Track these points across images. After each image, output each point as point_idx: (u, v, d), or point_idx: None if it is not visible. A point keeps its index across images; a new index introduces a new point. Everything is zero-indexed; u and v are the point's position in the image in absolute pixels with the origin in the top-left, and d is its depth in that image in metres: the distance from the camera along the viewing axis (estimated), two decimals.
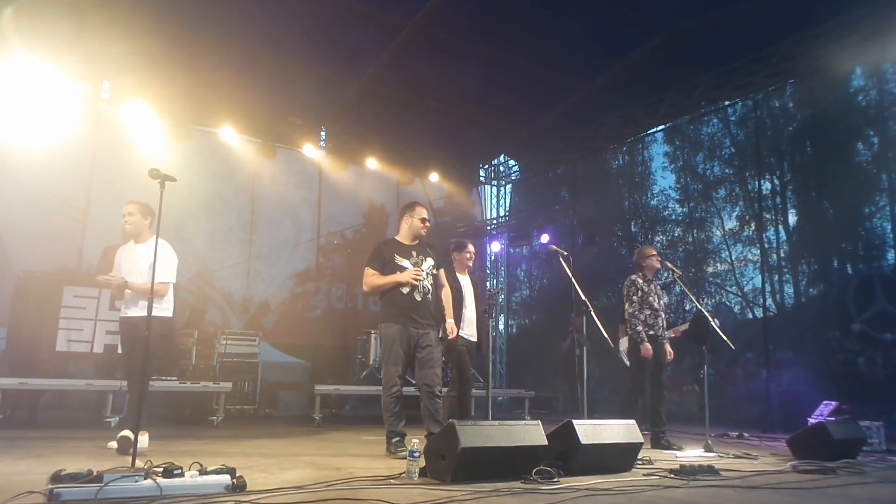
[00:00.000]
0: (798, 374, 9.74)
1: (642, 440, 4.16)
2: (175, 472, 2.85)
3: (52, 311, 7.38)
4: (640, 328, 5.78)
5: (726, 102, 10.80)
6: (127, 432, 4.30)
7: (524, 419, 5.64)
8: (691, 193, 19.22)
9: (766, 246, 15.88)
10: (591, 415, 5.07)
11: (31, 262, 7.94)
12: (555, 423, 3.96)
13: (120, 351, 5.90)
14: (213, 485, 2.87)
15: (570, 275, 5.15)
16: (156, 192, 3.60)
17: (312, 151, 10.60)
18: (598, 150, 11.73)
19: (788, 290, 17.24)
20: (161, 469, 2.85)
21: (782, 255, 17.18)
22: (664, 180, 19.64)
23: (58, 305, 7.44)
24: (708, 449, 5.35)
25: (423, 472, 3.49)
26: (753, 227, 17.08)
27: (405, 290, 4.67)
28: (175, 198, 3.84)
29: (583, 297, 5.01)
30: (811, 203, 16.68)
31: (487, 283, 12.77)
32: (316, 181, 11.23)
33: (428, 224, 4.91)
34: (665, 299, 6.11)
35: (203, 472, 2.95)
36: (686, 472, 3.76)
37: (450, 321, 4.90)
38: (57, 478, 2.70)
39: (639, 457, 4.19)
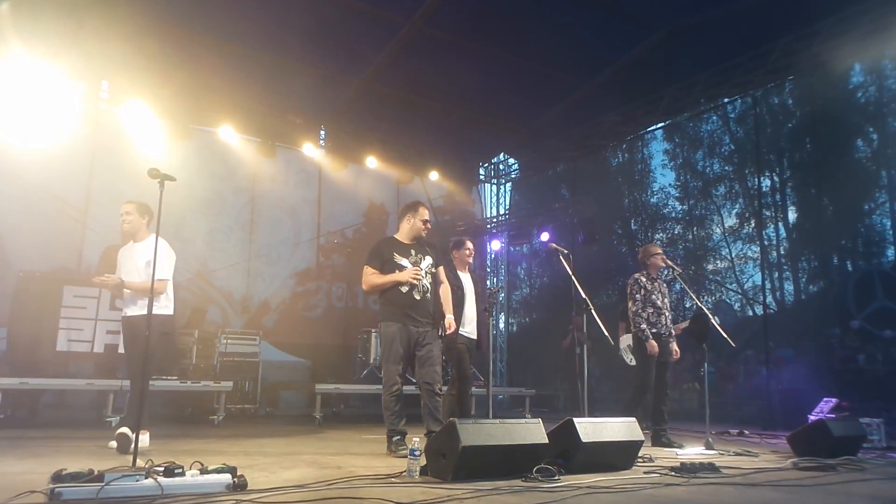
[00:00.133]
0: (798, 372, 9.74)
1: (643, 438, 4.16)
2: (176, 471, 2.85)
3: (53, 311, 7.39)
4: (643, 326, 5.79)
5: (726, 100, 10.82)
6: (125, 429, 4.30)
7: (525, 417, 5.65)
8: (691, 191, 19.24)
9: (766, 243, 15.91)
10: (592, 413, 5.08)
11: (31, 262, 7.95)
12: (555, 422, 3.96)
13: (121, 350, 5.91)
14: (214, 484, 2.87)
15: (571, 273, 5.15)
16: (155, 192, 3.59)
17: (312, 150, 10.59)
18: (597, 148, 11.73)
19: (788, 287, 17.28)
20: (162, 468, 2.85)
21: (782, 252, 17.21)
22: (664, 178, 19.68)
23: (58, 305, 7.45)
24: (708, 446, 5.35)
25: (423, 471, 3.49)
26: (753, 225, 17.10)
27: (404, 288, 4.67)
28: (175, 197, 3.84)
29: (583, 295, 5.01)
30: (811, 200, 16.69)
31: (488, 282, 12.78)
32: (316, 180, 11.23)
33: (429, 226, 4.93)
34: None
35: (204, 471, 2.95)
36: (687, 469, 3.76)
37: (449, 317, 4.90)
38: (58, 477, 2.70)
39: (639, 455, 4.19)
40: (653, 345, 5.69)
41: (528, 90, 9.67)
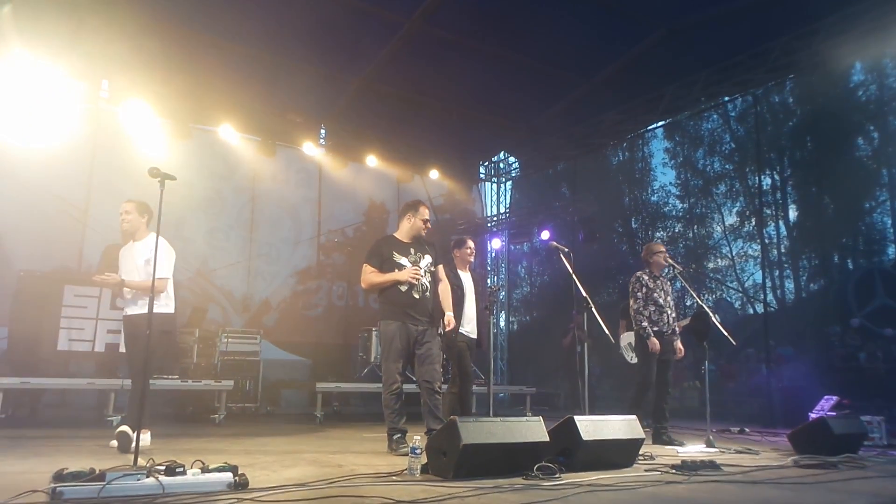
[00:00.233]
0: (799, 369, 9.74)
1: (644, 436, 4.16)
2: (177, 470, 2.85)
3: (53, 311, 7.40)
4: (645, 324, 5.80)
5: (726, 98, 10.79)
6: (126, 428, 4.30)
7: (525, 416, 5.64)
8: (691, 189, 19.20)
9: (767, 241, 15.88)
10: (593, 411, 5.09)
11: (32, 261, 7.96)
12: (556, 420, 3.96)
13: (122, 349, 5.91)
14: (215, 483, 2.88)
15: (571, 271, 5.15)
16: (156, 191, 3.60)
17: (312, 149, 10.58)
18: (598, 147, 11.71)
19: (789, 285, 17.26)
20: (163, 467, 2.85)
21: (783, 250, 17.18)
22: (664, 176, 19.64)
23: (59, 305, 7.46)
24: (709, 444, 5.35)
25: (424, 469, 3.49)
26: (754, 223, 17.07)
27: (403, 287, 4.67)
28: (175, 196, 3.85)
29: (583, 294, 5.01)
30: (811, 198, 16.66)
31: (488, 280, 12.78)
32: (316, 179, 11.23)
33: (429, 226, 4.93)
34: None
35: (205, 470, 2.96)
36: (687, 467, 3.77)
37: (448, 314, 4.91)
38: (59, 476, 2.71)
39: (640, 452, 4.19)
40: (654, 342, 5.70)
41: (528, 88, 9.66)
